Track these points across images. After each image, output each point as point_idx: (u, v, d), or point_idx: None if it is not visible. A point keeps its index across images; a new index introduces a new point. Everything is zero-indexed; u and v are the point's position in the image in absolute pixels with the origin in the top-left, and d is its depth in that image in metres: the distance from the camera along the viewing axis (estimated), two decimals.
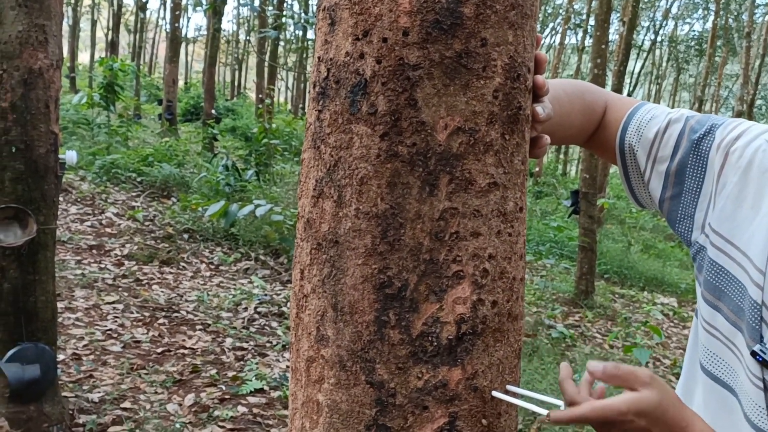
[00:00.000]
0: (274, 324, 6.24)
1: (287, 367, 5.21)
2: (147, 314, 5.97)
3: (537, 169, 23.59)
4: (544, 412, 0.86)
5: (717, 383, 1.16)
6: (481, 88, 0.90)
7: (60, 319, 5.34)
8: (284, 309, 6.59)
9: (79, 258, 7.09)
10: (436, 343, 0.89)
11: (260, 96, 17.92)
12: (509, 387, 0.94)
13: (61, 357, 4.69)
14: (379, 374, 0.90)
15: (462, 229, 0.90)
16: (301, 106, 35.90)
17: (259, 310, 6.49)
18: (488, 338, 0.92)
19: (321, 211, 0.94)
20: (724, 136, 1.16)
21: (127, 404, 4.24)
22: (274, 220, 8.24)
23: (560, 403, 0.90)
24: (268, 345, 5.68)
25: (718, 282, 1.13)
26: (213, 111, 17.05)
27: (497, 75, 0.91)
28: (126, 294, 6.38)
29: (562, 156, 31.25)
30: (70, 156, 4.08)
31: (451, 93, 0.89)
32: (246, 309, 6.49)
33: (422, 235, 0.89)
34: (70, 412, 3.98)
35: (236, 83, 45.77)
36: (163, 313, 6.05)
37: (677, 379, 5.24)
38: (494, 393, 0.92)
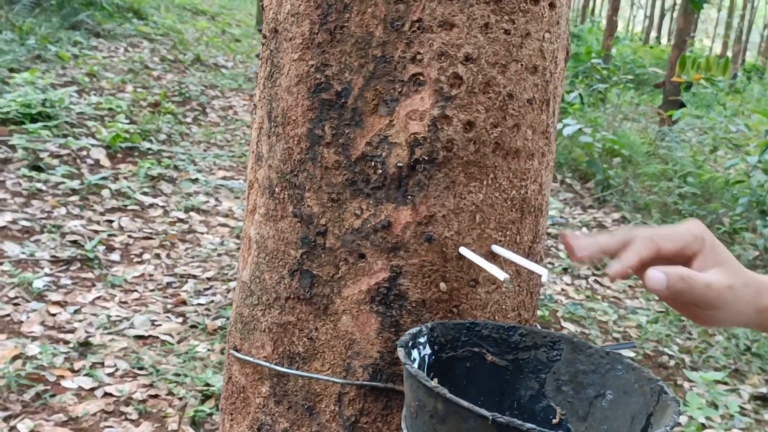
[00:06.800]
0: None
1: None
2: None
3: None
4: (501, 276, 0.60)
5: None
6: None
7: None
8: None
9: None
10: (381, 171, 0.66)
11: None
12: (495, 247, 0.68)
13: None
14: (308, 205, 0.69)
15: (427, 17, 0.64)
16: None
17: None
18: (455, 172, 0.66)
19: None
20: None
21: None
22: (583, 141, 7.80)
23: (544, 272, 0.62)
24: None
25: None
26: None
27: None
28: None
29: None
30: None
31: None
32: None
33: (373, 22, 0.65)
34: None
35: None
36: None
37: None
38: (462, 250, 0.67)
